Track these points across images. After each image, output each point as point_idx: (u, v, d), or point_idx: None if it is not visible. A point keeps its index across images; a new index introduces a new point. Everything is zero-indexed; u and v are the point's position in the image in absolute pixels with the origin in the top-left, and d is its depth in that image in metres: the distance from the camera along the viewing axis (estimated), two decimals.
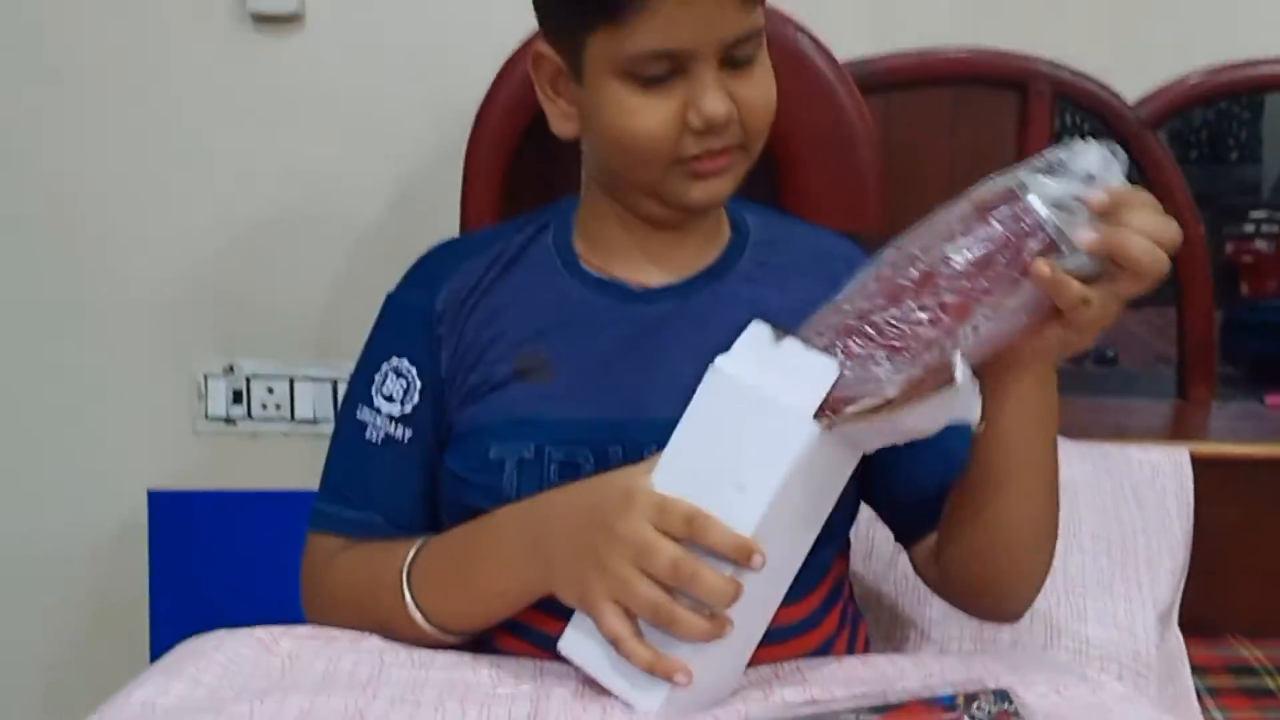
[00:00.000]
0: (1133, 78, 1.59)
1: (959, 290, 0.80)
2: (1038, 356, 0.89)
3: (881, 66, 1.55)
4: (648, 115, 0.95)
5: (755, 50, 0.98)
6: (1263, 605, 1.50)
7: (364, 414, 1.06)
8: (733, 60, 0.96)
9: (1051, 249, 0.80)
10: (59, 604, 1.70)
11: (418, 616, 0.96)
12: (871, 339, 0.82)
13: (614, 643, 0.83)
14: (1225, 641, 1.46)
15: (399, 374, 1.06)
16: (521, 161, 1.43)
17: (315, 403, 1.65)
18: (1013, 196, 0.81)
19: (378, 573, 0.99)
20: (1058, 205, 0.81)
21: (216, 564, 1.63)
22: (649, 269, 1.06)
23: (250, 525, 1.63)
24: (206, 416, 1.66)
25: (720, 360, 0.83)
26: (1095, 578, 1.23)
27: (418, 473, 1.05)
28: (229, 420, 1.66)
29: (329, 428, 1.62)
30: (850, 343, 0.82)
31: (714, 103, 0.95)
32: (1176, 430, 1.58)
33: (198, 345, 1.65)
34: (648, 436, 0.95)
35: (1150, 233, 0.81)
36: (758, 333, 0.85)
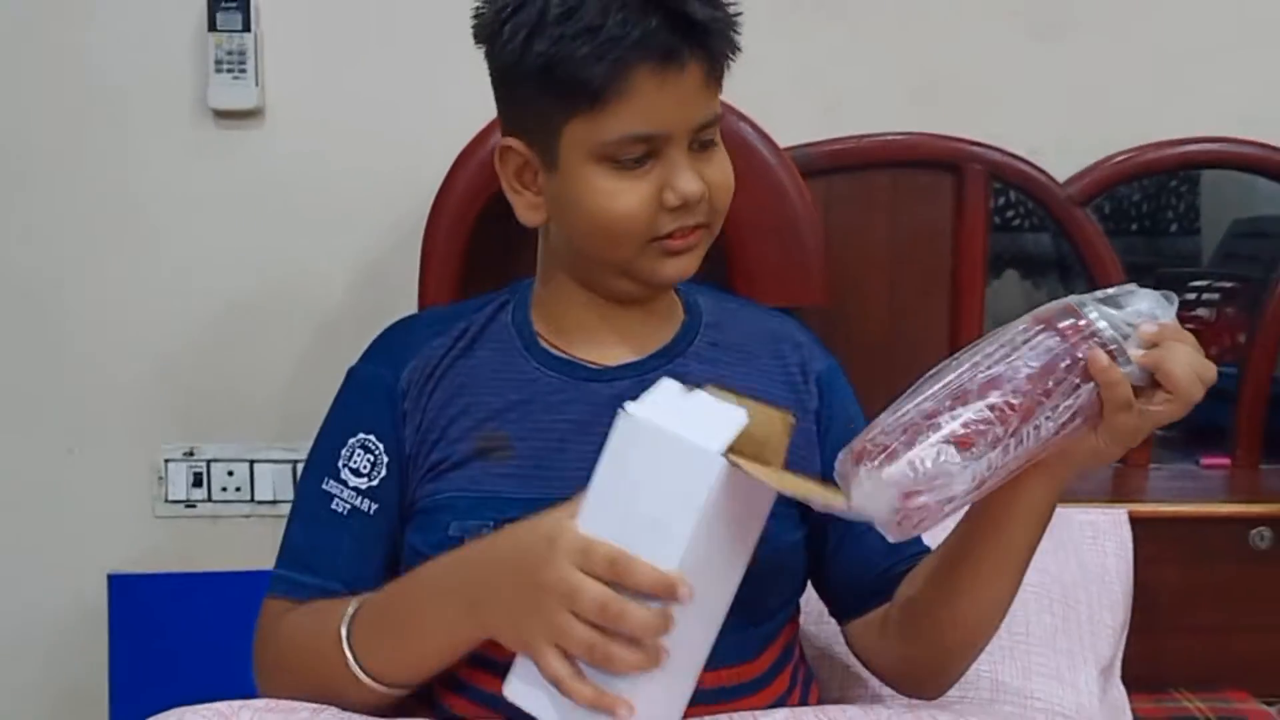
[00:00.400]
0: (1062, 158, 1.67)
1: (1023, 393, 0.85)
2: (1067, 462, 0.92)
3: (822, 151, 1.62)
4: (626, 197, 1.00)
5: (715, 133, 1.05)
6: (1203, 659, 1.55)
7: (330, 486, 1.08)
8: (700, 143, 1.02)
9: (1108, 356, 0.85)
10: (20, 688, 1.70)
11: (359, 673, 0.96)
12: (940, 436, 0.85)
13: (556, 684, 0.85)
14: (1169, 695, 1.50)
15: (366, 449, 1.08)
16: (478, 244, 1.47)
17: (275, 484, 1.67)
18: (1073, 312, 0.87)
19: (319, 631, 1.00)
20: (1112, 326, 0.87)
21: (178, 646, 1.63)
22: (607, 348, 1.10)
23: (211, 606, 1.64)
24: (167, 500, 1.68)
25: (631, 406, 0.86)
26: (1039, 635, 1.27)
27: (381, 544, 1.07)
28: (189, 503, 1.68)
29: (288, 509, 1.66)
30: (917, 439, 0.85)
31: (689, 182, 1.00)
32: (1116, 492, 1.63)
33: (159, 430, 1.67)
34: None
35: (1192, 364, 0.87)
36: (668, 385, 0.89)
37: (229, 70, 1.58)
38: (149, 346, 1.66)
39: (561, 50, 0.96)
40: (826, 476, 1.04)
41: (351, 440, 1.08)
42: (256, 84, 1.59)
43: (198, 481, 1.68)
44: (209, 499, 1.68)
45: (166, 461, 1.67)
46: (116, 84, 1.61)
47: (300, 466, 1.64)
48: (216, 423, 1.68)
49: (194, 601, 1.66)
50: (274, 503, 1.68)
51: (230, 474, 1.68)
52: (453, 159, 1.48)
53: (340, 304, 1.64)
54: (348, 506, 1.07)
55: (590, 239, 1.05)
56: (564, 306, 1.11)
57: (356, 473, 1.07)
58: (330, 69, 1.62)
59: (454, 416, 1.07)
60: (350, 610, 0.99)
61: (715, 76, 1.02)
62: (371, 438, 1.08)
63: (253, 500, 1.68)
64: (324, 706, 0.98)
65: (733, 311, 1.17)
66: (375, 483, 1.07)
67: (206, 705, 0.95)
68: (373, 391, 1.10)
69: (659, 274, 1.05)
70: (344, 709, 0.98)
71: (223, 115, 1.61)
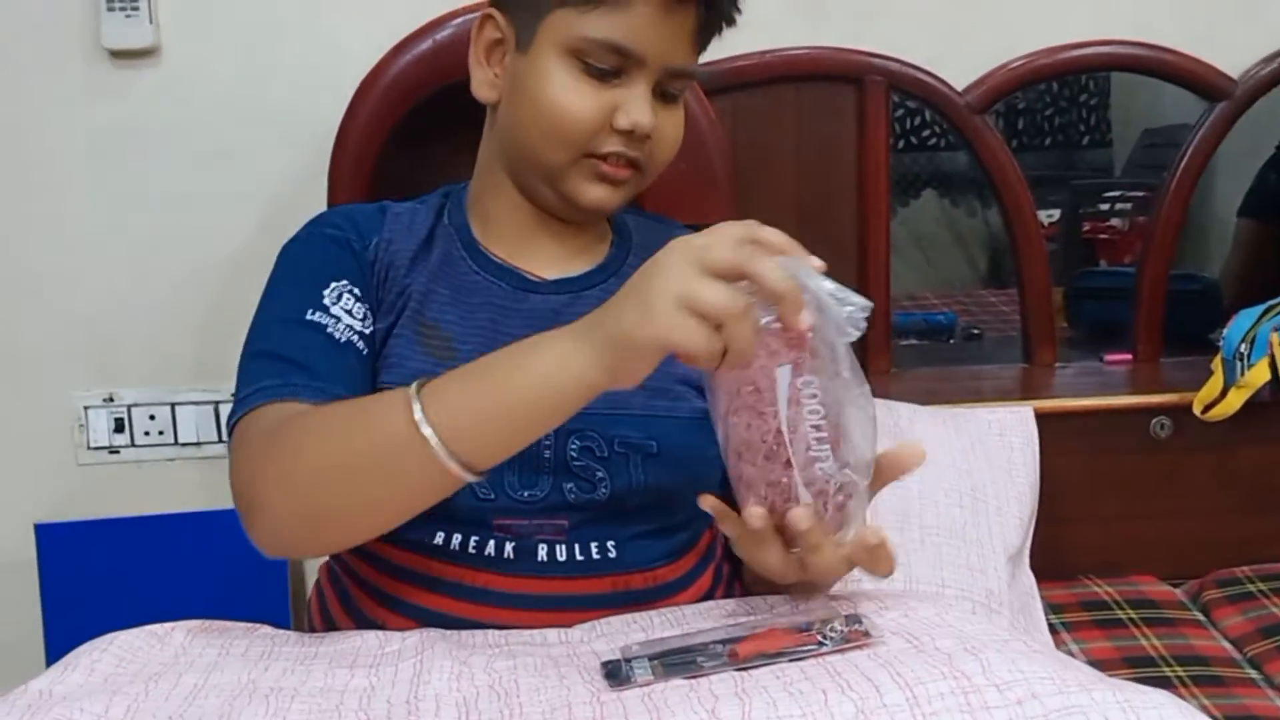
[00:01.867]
0: (960, 67, 1.70)
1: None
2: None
3: (726, 69, 1.63)
4: (580, 97, 1.02)
5: (683, 90, 1.07)
6: (1110, 545, 1.61)
7: (319, 317, 1.01)
8: (664, 92, 1.04)
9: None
10: None
11: (429, 432, 0.85)
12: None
13: (687, 344, 0.79)
14: (1079, 581, 1.57)
15: (354, 296, 1.04)
16: (383, 174, 1.47)
17: (199, 426, 1.68)
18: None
19: (366, 405, 0.90)
20: None
21: (109, 592, 1.63)
22: (541, 259, 1.11)
23: (140, 551, 1.65)
24: (89, 447, 1.67)
25: None
26: (949, 527, 1.32)
27: (366, 388, 1.01)
28: (112, 449, 1.68)
29: (213, 449, 1.67)
30: None
31: (644, 113, 1.02)
32: (1023, 390, 1.68)
33: (77, 377, 1.66)
34: None
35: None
36: None
37: (121, 9, 1.56)
38: (59, 294, 1.65)
39: None
40: None
41: (335, 284, 1.03)
42: (150, 22, 1.57)
43: (119, 427, 1.68)
44: (131, 444, 1.68)
45: (86, 409, 1.67)
46: (5, 28, 1.58)
47: (222, 409, 1.66)
48: (134, 367, 1.67)
49: (123, 546, 1.66)
50: (198, 444, 1.68)
51: (152, 418, 1.68)
52: (353, 89, 1.47)
53: (248, 240, 1.63)
54: (345, 337, 1.01)
55: (533, 130, 1.05)
56: (500, 208, 1.12)
57: (349, 313, 1.02)
58: (225, 3, 1.60)
59: (403, 308, 1.06)
60: (416, 382, 0.88)
61: (708, 31, 1.05)
62: (356, 290, 1.04)
63: (176, 443, 1.68)
64: (258, 626, 0.97)
65: (655, 231, 1.18)
66: (367, 331, 1.03)
67: (140, 628, 0.95)
68: (345, 250, 1.07)
69: (583, 194, 1.06)
70: (368, 520, 0.91)
71: (118, 55, 1.59)
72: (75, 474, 1.68)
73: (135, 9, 1.56)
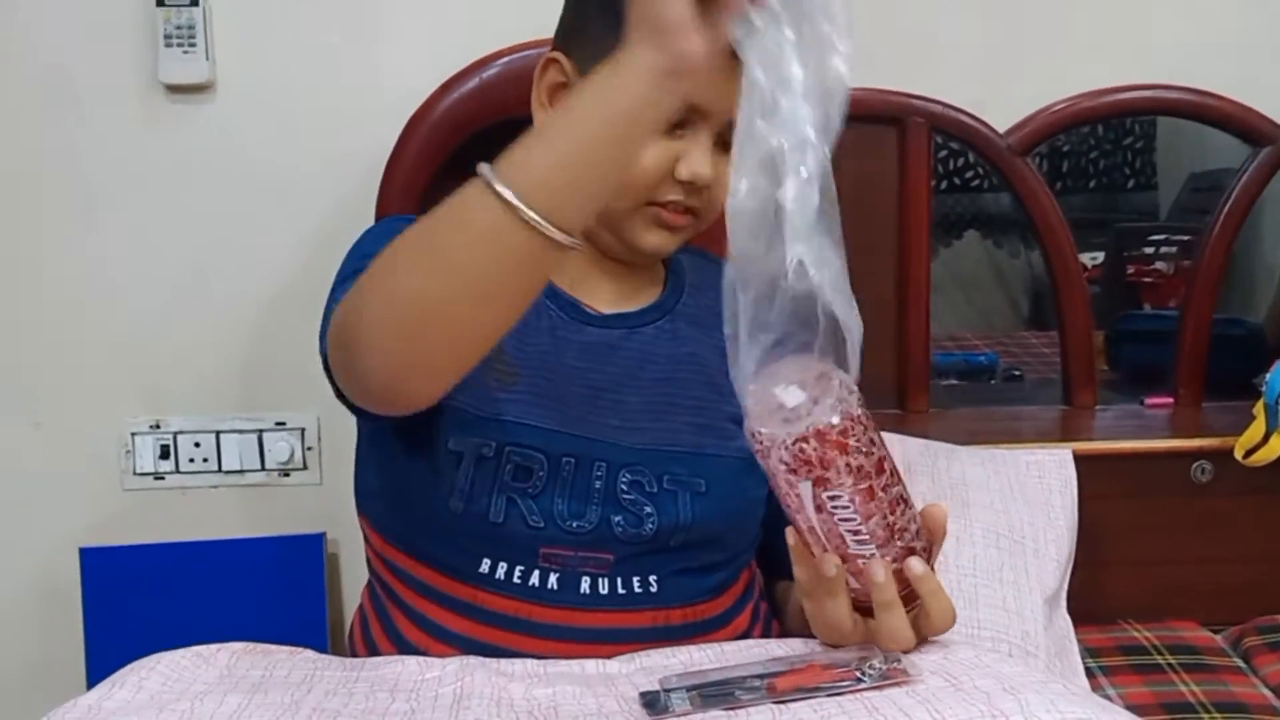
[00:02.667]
0: (1003, 109, 1.71)
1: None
2: None
3: None
4: (647, 151, 1.01)
5: None
6: (1149, 590, 1.60)
7: None
8: (725, 142, 1.02)
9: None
10: None
11: (508, 193, 0.81)
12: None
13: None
14: (1117, 625, 1.56)
15: None
16: (431, 208, 1.49)
17: (242, 454, 1.70)
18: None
19: (449, 200, 0.85)
20: None
21: (151, 617, 1.65)
22: (598, 296, 1.13)
23: (183, 577, 1.67)
24: (135, 473, 1.70)
25: None
26: (985, 568, 1.32)
27: None
28: (158, 475, 1.70)
29: (256, 477, 1.70)
30: None
31: (704, 165, 1.03)
32: (1062, 432, 1.68)
33: (125, 403, 1.69)
34: (597, 453, 1.03)
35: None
36: None
37: (179, 44, 1.59)
38: (110, 321, 1.68)
39: None
40: None
41: None
42: (207, 58, 1.61)
43: (165, 454, 1.70)
44: (176, 470, 1.71)
45: (133, 435, 1.69)
46: (66, 62, 1.62)
47: (265, 437, 1.68)
48: (181, 395, 1.70)
49: (166, 572, 1.68)
50: (241, 472, 1.70)
51: (197, 445, 1.70)
52: (402, 125, 1.50)
53: (296, 273, 1.66)
54: None
55: None
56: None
57: None
58: (280, 40, 1.64)
59: None
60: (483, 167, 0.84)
61: None
62: None
63: (220, 470, 1.70)
64: (302, 650, 0.98)
65: (707, 270, 1.19)
66: None
67: (187, 649, 0.96)
68: None
69: (642, 239, 1.08)
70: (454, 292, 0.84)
71: (174, 90, 1.63)
72: (121, 499, 1.71)
73: (193, 45, 1.59)
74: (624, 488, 1.04)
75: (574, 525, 1.03)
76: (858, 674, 0.84)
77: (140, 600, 1.67)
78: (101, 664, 1.66)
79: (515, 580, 1.03)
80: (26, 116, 1.64)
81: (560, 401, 1.06)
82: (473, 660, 0.94)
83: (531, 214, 0.81)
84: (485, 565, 1.03)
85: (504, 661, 0.95)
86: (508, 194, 0.81)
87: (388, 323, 0.86)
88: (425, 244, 0.85)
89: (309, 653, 0.99)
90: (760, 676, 0.84)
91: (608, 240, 1.11)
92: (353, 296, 0.89)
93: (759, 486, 1.10)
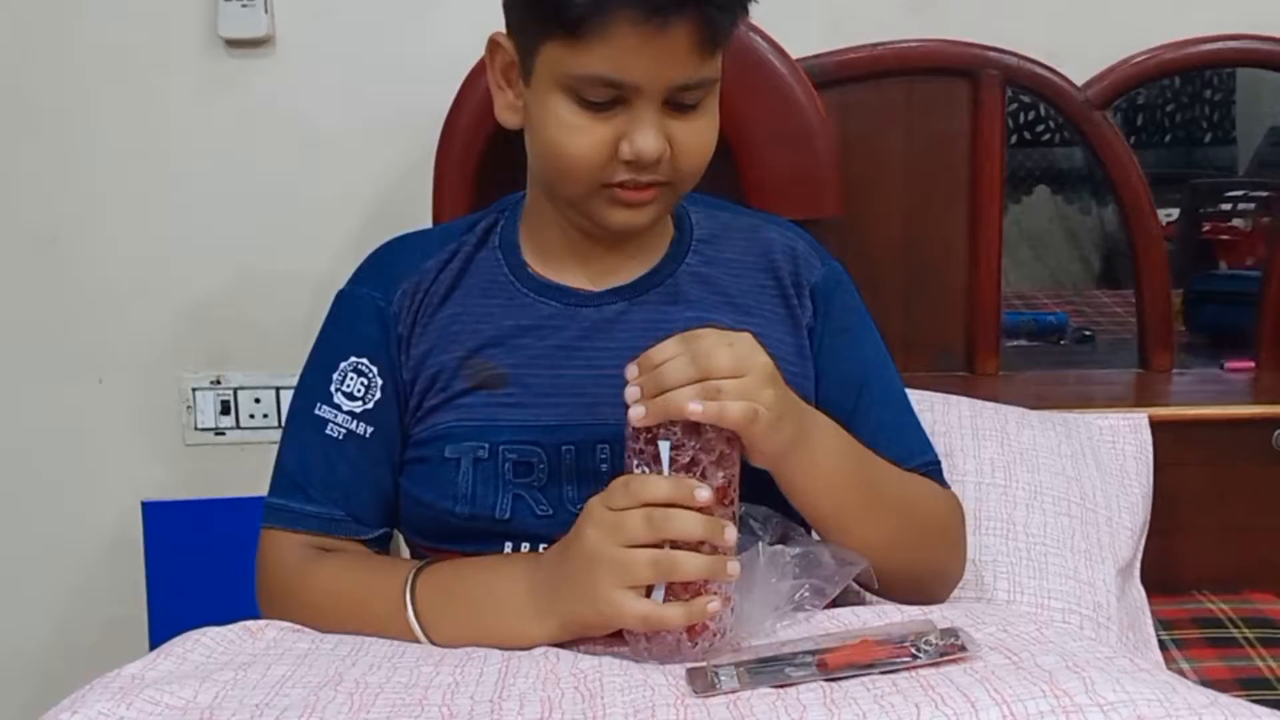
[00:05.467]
0: (1080, 61, 1.64)
1: None
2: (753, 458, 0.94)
3: (834, 61, 1.60)
4: (582, 135, 0.98)
5: (703, 98, 1.00)
6: (1226, 560, 1.55)
7: (324, 411, 1.07)
8: (677, 103, 0.99)
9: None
10: (58, 616, 1.75)
11: (421, 636, 0.96)
12: None
13: (647, 624, 0.88)
14: (1191, 597, 1.51)
15: (359, 372, 1.08)
16: (490, 166, 1.47)
17: None
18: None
19: (370, 591, 1.00)
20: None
21: (213, 571, 1.66)
22: (595, 271, 1.10)
23: (244, 531, 1.66)
24: (196, 428, 1.70)
25: None
26: (1056, 536, 1.27)
27: (378, 467, 1.08)
28: (218, 431, 1.71)
29: None
30: None
31: (647, 140, 0.97)
32: (1137, 397, 1.62)
33: (186, 359, 1.70)
34: (597, 436, 1.02)
35: (680, 379, 0.89)
36: None
37: None
38: (171, 278, 1.68)
39: None
40: (818, 391, 1.09)
41: (344, 364, 1.08)
42: (266, 11, 1.59)
43: (225, 409, 1.70)
44: (237, 426, 1.71)
45: (194, 390, 1.70)
46: (124, 17, 1.62)
47: None
48: (242, 351, 1.70)
49: (227, 526, 1.68)
50: None
51: (257, 401, 1.71)
52: (462, 79, 1.47)
53: (356, 230, 1.65)
54: (343, 431, 1.07)
55: (545, 165, 1.04)
56: (545, 229, 1.10)
57: (350, 396, 1.07)
58: None
59: (446, 349, 1.07)
60: (409, 574, 0.99)
61: (710, 41, 0.96)
62: (365, 361, 1.08)
63: (279, 426, 1.70)
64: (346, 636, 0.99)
65: (725, 224, 1.16)
66: (370, 405, 1.07)
67: (234, 624, 0.97)
68: (363, 314, 1.10)
69: (607, 220, 1.03)
70: None
71: (233, 44, 1.61)
72: (182, 454, 1.72)
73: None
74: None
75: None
76: (913, 650, 0.81)
77: (202, 554, 1.68)
78: (165, 617, 1.68)
79: None
80: (85, 75, 1.63)
81: (555, 394, 1.04)
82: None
83: (426, 640, 0.97)
84: (508, 547, 1.04)
85: None
86: (416, 628, 0.97)
87: (303, 619, 1.01)
88: (335, 608, 1.00)
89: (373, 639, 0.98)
90: (811, 653, 0.82)
91: (580, 221, 1.06)
92: (270, 603, 1.07)
93: None
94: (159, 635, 1.68)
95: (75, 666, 1.72)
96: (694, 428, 0.88)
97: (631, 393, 0.90)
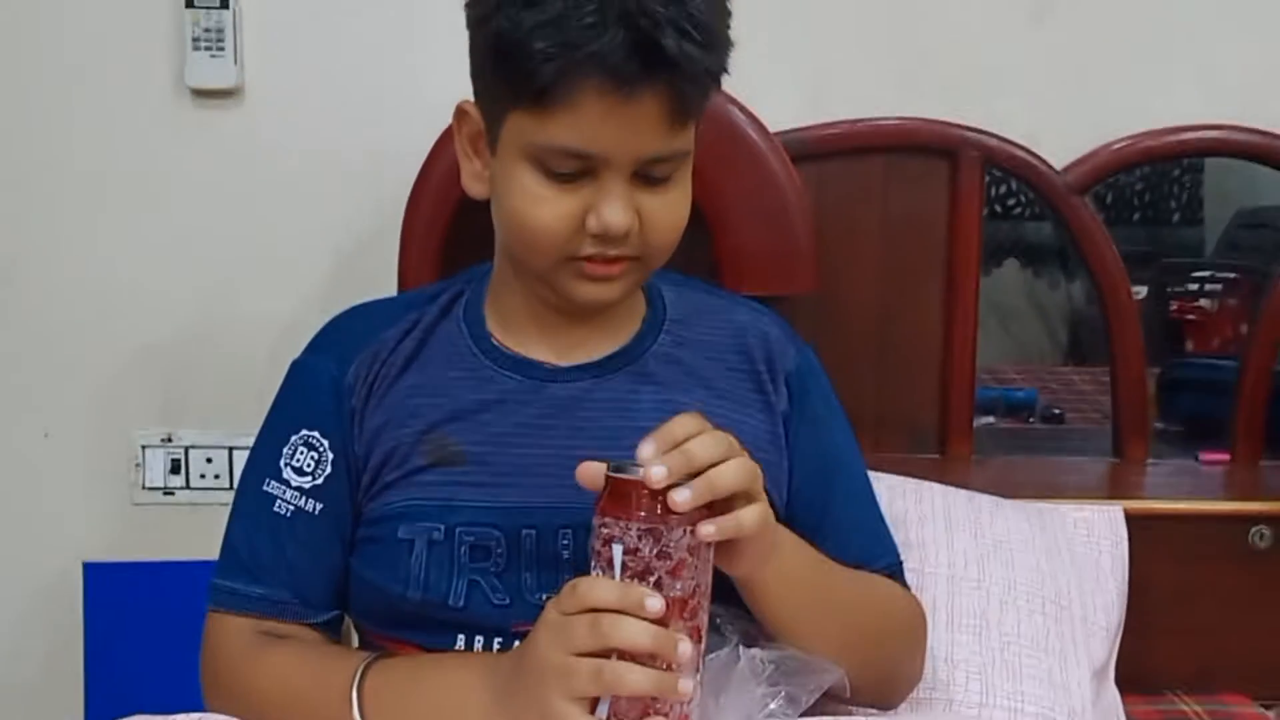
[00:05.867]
0: (1060, 144, 1.63)
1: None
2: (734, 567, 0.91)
3: (813, 135, 1.58)
4: (547, 207, 0.95)
5: (675, 171, 0.97)
6: (1200, 660, 1.52)
7: (272, 487, 1.04)
8: (648, 175, 0.95)
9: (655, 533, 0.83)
10: None
11: None
12: None
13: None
14: (1165, 697, 1.47)
15: (310, 446, 1.04)
16: (460, 228, 1.43)
17: None
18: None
19: (317, 683, 0.96)
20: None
21: (155, 636, 1.60)
22: (562, 345, 1.06)
23: (189, 596, 1.58)
24: (144, 486, 1.64)
25: None
26: (1030, 635, 1.24)
27: (328, 547, 1.03)
28: (167, 490, 1.65)
29: None
30: None
31: (615, 214, 0.94)
32: (1112, 488, 1.60)
33: (136, 415, 1.64)
34: (560, 520, 0.97)
35: (712, 456, 0.84)
36: None
37: (207, 48, 1.54)
38: (126, 329, 1.63)
39: (516, 36, 0.90)
40: (788, 483, 1.05)
41: (294, 437, 1.04)
42: (235, 62, 1.55)
43: (175, 468, 1.65)
44: (187, 486, 1.65)
45: (144, 448, 1.64)
46: (91, 62, 1.57)
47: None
48: (195, 408, 1.64)
49: (171, 591, 1.62)
50: None
51: (209, 461, 1.65)
52: (435, 137, 1.44)
53: (320, 286, 1.60)
54: (291, 508, 1.03)
55: (511, 237, 1.01)
56: (512, 300, 1.07)
57: (300, 471, 1.03)
58: (310, 46, 1.59)
59: (403, 423, 1.03)
60: (357, 670, 0.95)
61: (680, 112, 0.93)
62: (316, 434, 1.04)
63: (232, 488, 1.63)
64: None
65: (698, 305, 1.12)
66: (320, 481, 1.03)
67: (162, 718, 0.93)
68: (317, 386, 1.06)
69: (575, 294, 1.00)
70: None
71: (201, 94, 1.57)
72: (129, 512, 1.66)
73: (221, 49, 1.54)
74: None
75: (543, 597, 0.96)
76: None
77: (144, 619, 1.62)
78: (101, 680, 1.62)
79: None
80: (49, 115, 1.59)
81: (517, 473, 1.00)
82: None
83: None
84: (460, 641, 0.99)
85: None
86: None
87: (246, 712, 0.99)
88: (280, 704, 0.97)
89: None
90: None
91: (548, 296, 1.03)
92: (213, 692, 1.03)
93: None
94: (95, 701, 1.61)
95: None
96: (650, 532, 0.83)
97: (659, 472, 0.82)
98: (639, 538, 0.83)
